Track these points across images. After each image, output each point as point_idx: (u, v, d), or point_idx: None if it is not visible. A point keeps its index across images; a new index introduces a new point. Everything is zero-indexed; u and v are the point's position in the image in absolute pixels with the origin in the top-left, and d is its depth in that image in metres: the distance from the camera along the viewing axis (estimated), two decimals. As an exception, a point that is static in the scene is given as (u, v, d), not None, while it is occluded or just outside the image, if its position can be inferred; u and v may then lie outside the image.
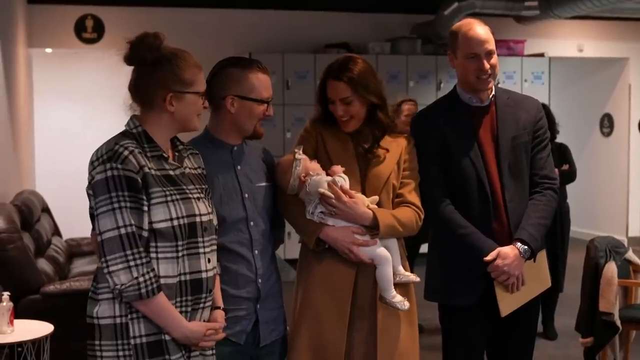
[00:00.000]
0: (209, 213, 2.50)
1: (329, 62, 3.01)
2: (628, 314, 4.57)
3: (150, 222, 2.35)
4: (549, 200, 3.14)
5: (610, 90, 10.59)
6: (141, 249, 2.32)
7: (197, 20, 8.93)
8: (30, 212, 5.86)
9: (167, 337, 2.38)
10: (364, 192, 2.91)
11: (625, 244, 5.47)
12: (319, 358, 2.85)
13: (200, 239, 2.45)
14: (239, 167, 2.82)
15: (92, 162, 2.36)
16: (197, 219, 2.43)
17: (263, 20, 9.22)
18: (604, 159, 10.58)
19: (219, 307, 2.57)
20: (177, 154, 2.54)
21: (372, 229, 2.85)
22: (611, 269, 4.41)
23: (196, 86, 2.47)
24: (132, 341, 2.35)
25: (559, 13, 8.59)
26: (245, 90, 2.76)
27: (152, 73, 2.41)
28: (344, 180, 2.84)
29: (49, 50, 9.29)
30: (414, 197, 2.97)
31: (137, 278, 2.30)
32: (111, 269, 2.30)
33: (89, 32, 8.79)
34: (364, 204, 2.86)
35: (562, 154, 5.88)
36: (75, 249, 7.05)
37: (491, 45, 3.07)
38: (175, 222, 2.38)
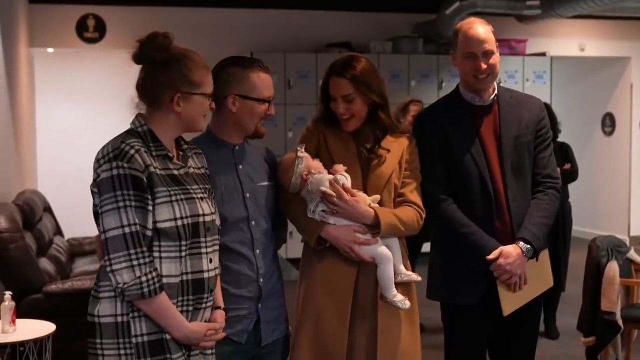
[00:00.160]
0: (212, 213, 2.50)
1: (330, 62, 3.02)
2: (630, 313, 4.56)
3: (155, 222, 2.35)
4: (551, 199, 3.15)
5: (612, 89, 10.59)
6: (145, 248, 2.32)
7: (198, 19, 8.94)
8: (32, 212, 5.87)
9: (168, 336, 2.38)
10: (365, 192, 2.91)
11: (627, 243, 5.46)
12: (321, 357, 2.85)
13: (202, 239, 2.45)
14: (240, 167, 2.82)
15: (97, 160, 2.36)
16: (201, 219, 2.44)
17: (265, 20, 9.23)
18: (605, 158, 10.57)
19: (219, 307, 2.57)
20: (181, 153, 2.54)
21: (374, 227, 2.85)
22: (613, 268, 4.41)
23: (204, 87, 2.47)
24: (133, 340, 2.35)
25: (560, 12, 8.58)
26: (246, 90, 2.76)
27: (161, 73, 2.41)
28: (345, 179, 2.84)
29: (50, 49, 9.30)
30: (416, 197, 2.98)
31: (139, 277, 2.30)
32: (114, 267, 2.30)
33: (91, 31, 8.79)
34: (366, 202, 2.86)
35: (564, 153, 5.88)
36: (77, 249, 7.05)
37: (490, 45, 3.06)
38: (179, 222, 2.38)
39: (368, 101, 2.94)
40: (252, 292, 2.77)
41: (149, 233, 2.34)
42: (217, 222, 2.55)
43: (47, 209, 6.91)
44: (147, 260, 2.32)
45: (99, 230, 2.37)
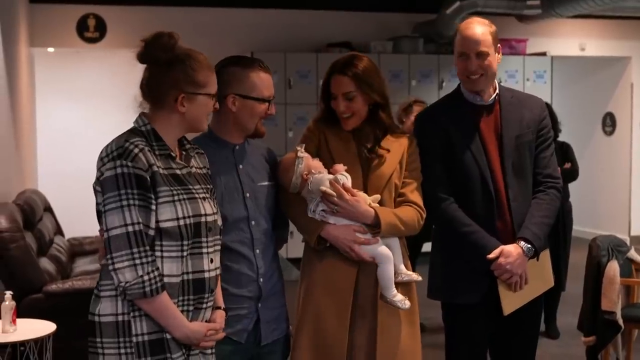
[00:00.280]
0: (214, 213, 2.50)
1: (330, 62, 3.02)
2: (630, 313, 4.56)
3: (157, 221, 2.35)
4: (552, 199, 3.15)
5: (613, 89, 10.59)
6: (147, 248, 2.32)
7: (199, 19, 8.94)
8: (33, 212, 5.87)
9: (169, 336, 2.38)
10: (366, 191, 2.91)
11: (628, 242, 5.44)
12: (321, 357, 2.85)
13: (204, 239, 2.45)
14: (240, 166, 2.82)
15: (101, 159, 2.36)
16: (203, 219, 2.44)
17: (265, 20, 9.23)
18: (606, 158, 10.57)
19: (219, 307, 2.57)
20: (184, 153, 2.54)
21: (374, 227, 2.85)
22: (613, 267, 4.41)
23: (208, 88, 2.47)
24: (134, 339, 2.35)
25: (560, 12, 8.58)
26: (246, 89, 2.76)
27: (166, 73, 2.41)
28: (345, 179, 2.84)
29: (51, 49, 9.30)
30: (416, 197, 2.98)
31: (142, 276, 2.30)
32: (117, 266, 2.30)
33: (91, 31, 8.79)
34: (366, 202, 2.86)
35: (565, 153, 5.89)
36: (77, 248, 7.05)
37: (485, 47, 3.05)
38: (182, 222, 2.38)
39: (369, 100, 2.94)
40: (252, 291, 2.77)
41: (151, 232, 2.34)
42: (219, 222, 2.55)
43: (48, 209, 6.92)
44: (149, 259, 2.32)
45: (101, 228, 2.37)
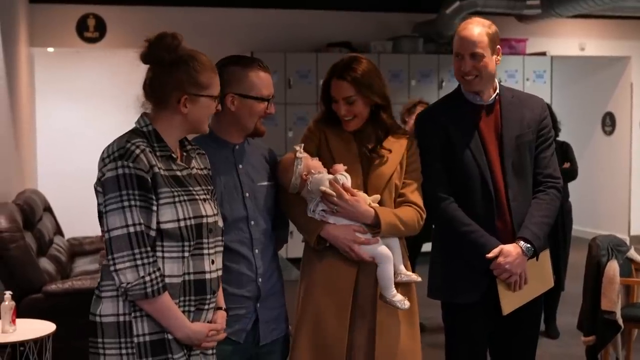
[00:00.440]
0: (214, 214, 2.50)
1: (331, 61, 3.03)
2: (630, 313, 4.56)
3: (158, 222, 2.35)
4: (552, 199, 3.15)
5: (612, 88, 10.58)
6: (149, 248, 2.32)
7: (199, 19, 8.94)
8: (32, 212, 5.87)
9: (170, 337, 2.38)
10: (366, 192, 2.91)
11: (627, 242, 5.45)
12: (321, 356, 2.85)
13: (205, 240, 2.44)
14: (240, 166, 2.82)
15: (103, 159, 2.36)
16: (204, 220, 2.43)
17: (265, 20, 9.23)
18: (605, 158, 10.57)
19: (220, 308, 2.57)
20: (185, 154, 2.54)
21: (374, 227, 2.85)
22: (613, 267, 4.41)
23: (211, 89, 2.46)
24: (135, 339, 2.35)
25: (560, 12, 8.58)
26: (245, 89, 2.76)
27: (169, 74, 2.40)
28: (345, 179, 2.84)
29: (50, 49, 9.30)
30: (416, 197, 2.98)
31: (143, 277, 2.30)
32: (118, 266, 2.30)
33: (91, 31, 8.79)
34: (366, 202, 2.86)
35: (564, 152, 5.89)
36: (77, 248, 7.05)
37: (480, 48, 3.04)
38: (182, 223, 2.38)
39: (370, 102, 2.94)
40: (251, 291, 2.77)
41: (152, 233, 2.34)
42: (220, 223, 2.55)
43: (48, 209, 6.91)
44: (150, 260, 2.31)
45: (102, 229, 2.37)
